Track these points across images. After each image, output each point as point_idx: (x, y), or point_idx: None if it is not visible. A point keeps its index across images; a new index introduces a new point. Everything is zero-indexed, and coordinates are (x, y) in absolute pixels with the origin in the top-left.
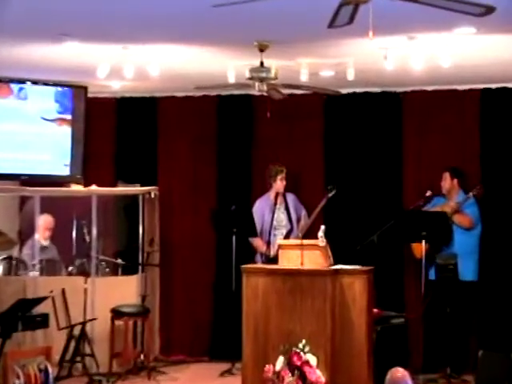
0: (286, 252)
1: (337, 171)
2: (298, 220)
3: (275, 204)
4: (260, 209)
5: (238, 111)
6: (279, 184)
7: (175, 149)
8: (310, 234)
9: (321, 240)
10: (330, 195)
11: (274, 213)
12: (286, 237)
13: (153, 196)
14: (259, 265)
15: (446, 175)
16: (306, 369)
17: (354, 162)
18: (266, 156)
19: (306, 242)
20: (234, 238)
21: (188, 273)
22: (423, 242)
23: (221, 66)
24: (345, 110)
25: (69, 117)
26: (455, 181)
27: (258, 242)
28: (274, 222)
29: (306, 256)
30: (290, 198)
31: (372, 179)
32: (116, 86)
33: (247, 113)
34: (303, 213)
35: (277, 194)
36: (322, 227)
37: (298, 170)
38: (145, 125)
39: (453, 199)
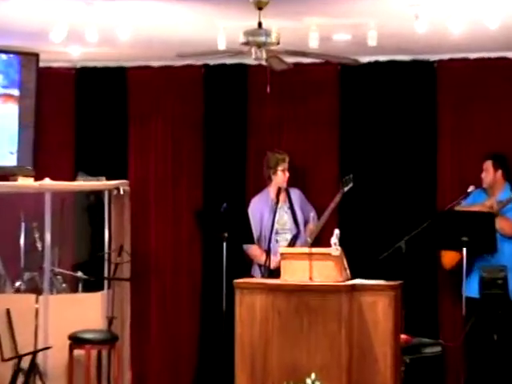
0: (291, 263)
1: (354, 160)
2: (306, 222)
3: (276, 202)
4: (257, 209)
5: (230, 85)
6: (281, 177)
7: (150, 133)
8: (321, 240)
9: (334, 248)
10: (346, 189)
11: (275, 213)
12: (291, 244)
13: (122, 192)
14: (257, 279)
15: (488, 165)
16: None
17: (376, 149)
18: (264, 142)
19: (315, 250)
20: (224, 245)
21: (167, 289)
22: (464, 249)
23: (209, 27)
24: (365, 84)
25: (15, 92)
26: (499, 172)
27: (255, 251)
28: (276, 225)
29: (315, 268)
30: (295, 194)
31: (399, 170)
32: (75, 53)
33: (241, 87)
34: (312, 214)
35: (278, 190)
36: (336, 232)
37: (305, 160)
38: (112, 102)
39: (495, 196)
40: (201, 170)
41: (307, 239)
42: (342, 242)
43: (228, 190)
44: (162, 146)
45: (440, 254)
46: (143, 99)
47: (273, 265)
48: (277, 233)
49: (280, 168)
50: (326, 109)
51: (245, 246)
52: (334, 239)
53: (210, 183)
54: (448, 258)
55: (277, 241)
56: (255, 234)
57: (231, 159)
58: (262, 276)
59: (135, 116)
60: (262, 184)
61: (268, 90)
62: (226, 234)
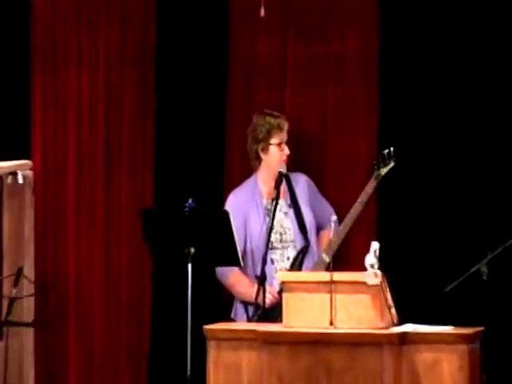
0: (299, 297)
1: (399, 129)
2: (319, 229)
3: (274, 199)
4: (240, 209)
5: (200, 7)
6: (275, 155)
7: (68, 87)
8: (346, 257)
9: (372, 273)
10: (384, 173)
11: (270, 215)
12: (297, 264)
13: (21, 181)
14: (242, 324)
15: None
16: None
17: (437, 113)
18: (254, 101)
19: (339, 276)
20: (189, 267)
21: (95, 342)
22: None
23: None
24: (420, 13)
25: None
26: None
27: (237, 279)
28: (273, 235)
29: (340, 306)
30: (301, 183)
31: (474, 146)
32: None
33: (218, 10)
34: (331, 214)
35: (277, 180)
36: (374, 246)
37: (318, 130)
38: (7, 42)
39: None
40: (151, 148)
41: (322, 257)
42: (383, 261)
43: (195, 178)
44: (87, 109)
45: None
46: (56, 32)
47: (268, 301)
48: (272, 248)
49: (274, 140)
50: (356, 50)
51: (220, 271)
52: (371, 258)
53: (166, 168)
54: None
55: (272, 261)
56: (239, 249)
57: (200, 130)
58: (250, 319)
59: (43, 59)
60: (247, 169)
61: (262, 13)
62: (191, 250)
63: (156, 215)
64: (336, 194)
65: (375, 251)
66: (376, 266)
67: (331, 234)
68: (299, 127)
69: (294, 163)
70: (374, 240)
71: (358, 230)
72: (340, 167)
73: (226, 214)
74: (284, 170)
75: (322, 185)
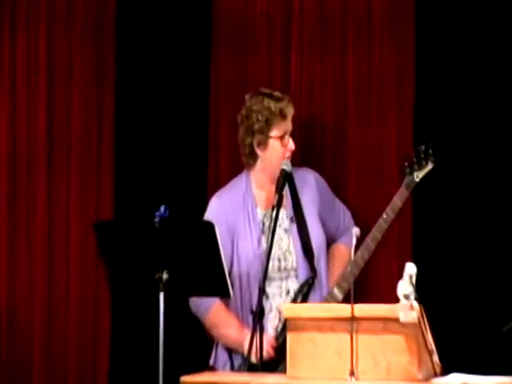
0: (308, 338)
1: (442, 116)
2: (332, 242)
3: (274, 208)
4: (227, 219)
5: None
6: (277, 150)
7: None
8: (372, 285)
9: (406, 306)
10: (420, 177)
11: (267, 232)
12: (301, 297)
13: None
14: (228, 375)
15: None
16: None
17: (488, 102)
18: (244, 75)
19: (362, 309)
20: (161, 297)
21: None
22: None
23: None
24: None
25: None
26: None
27: (221, 316)
28: (272, 260)
29: (364, 349)
30: (308, 184)
31: None
32: None
33: None
34: (354, 230)
35: (279, 182)
36: (410, 269)
37: (333, 116)
38: None
39: None
40: (109, 139)
41: (334, 293)
42: (421, 290)
43: (169, 178)
44: (24, 88)
45: None
46: None
47: (266, 351)
48: (267, 278)
49: (275, 132)
50: (382, 7)
51: (196, 304)
52: (406, 286)
53: (129, 167)
54: None
55: (267, 296)
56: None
57: (176, 114)
58: (239, 369)
59: None
60: (240, 167)
61: None
62: (164, 275)
63: (116, 229)
64: (357, 203)
65: (411, 277)
66: (412, 297)
67: (352, 254)
68: (308, 110)
69: (301, 160)
70: (409, 262)
71: (386, 249)
72: (363, 166)
73: (211, 226)
74: (289, 168)
75: (338, 190)
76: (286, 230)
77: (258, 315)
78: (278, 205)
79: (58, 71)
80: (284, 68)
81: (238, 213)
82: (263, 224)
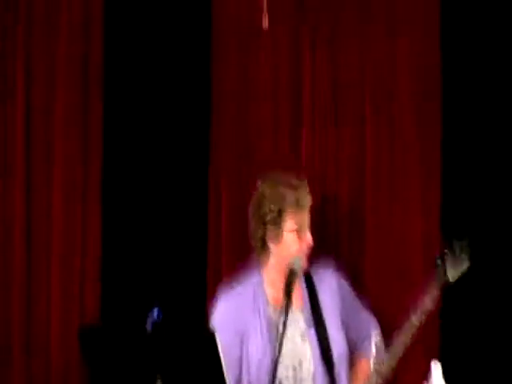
0: None
1: (474, 200)
2: (353, 352)
3: (283, 311)
4: (236, 320)
5: None
6: (292, 245)
7: None
8: None
9: None
10: (456, 278)
11: (278, 336)
12: None
13: None
14: None
15: None
16: None
17: None
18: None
19: None
20: None
21: None
22: None
23: None
24: None
25: None
26: None
27: None
28: (282, 369)
29: None
30: (328, 281)
31: None
32: None
33: None
34: (374, 334)
35: (285, 282)
36: (436, 369)
37: (349, 196)
38: None
39: None
40: (97, 192)
41: None
42: None
43: (163, 267)
44: None
45: None
46: None
47: None
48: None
49: (290, 225)
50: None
51: None
52: None
53: (116, 244)
54: None
55: None
56: None
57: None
58: None
59: None
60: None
61: (264, 23)
62: None
63: (102, 336)
64: (375, 297)
65: (438, 377)
66: None
67: (375, 362)
68: (321, 185)
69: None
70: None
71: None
72: (382, 254)
73: (212, 335)
74: (298, 267)
75: (353, 281)
76: (302, 335)
77: None
78: (287, 310)
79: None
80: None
81: (248, 312)
82: (275, 324)
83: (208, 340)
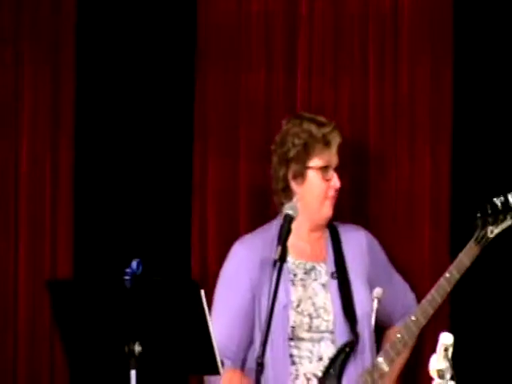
0: None
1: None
2: (389, 324)
3: (277, 260)
4: (250, 269)
5: None
6: (317, 186)
7: None
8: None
9: None
10: (495, 233)
11: (276, 285)
12: (333, 369)
13: None
14: None
15: None
16: None
17: None
18: (235, 86)
19: None
20: (132, 375)
21: None
22: None
23: None
24: None
25: None
26: None
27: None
28: (295, 315)
29: None
30: (358, 242)
31: None
32: None
33: None
34: (376, 289)
35: (280, 229)
36: (445, 339)
37: (354, 140)
38: None
39: None
40: (70, 175)
41: (378, 363)
42: (460, 367)
43: (144, 229)
44: None
45: None
46: None
47: None
48: (294, 338)
49: (316, 161)
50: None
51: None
52: (440, 361)
53: (92, 211)
54: None
55: (293, 360)
56: (230, 343)
57: (154, 154)
58: None
59: None
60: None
61: None
62: (136, 347)
63: (75, 289)
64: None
65: (446, 349)
66: (448, 375)
67: (398, 327)
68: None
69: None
70: (445, 331)
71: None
72: (387, 214)
73: (195, 286)
74: (295, 213)
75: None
76: (323, 285)
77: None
78: (282, 259)
79: None
80: (287, 86)
81: (266, 261)
82: (294, 275)
83: (192, 293)
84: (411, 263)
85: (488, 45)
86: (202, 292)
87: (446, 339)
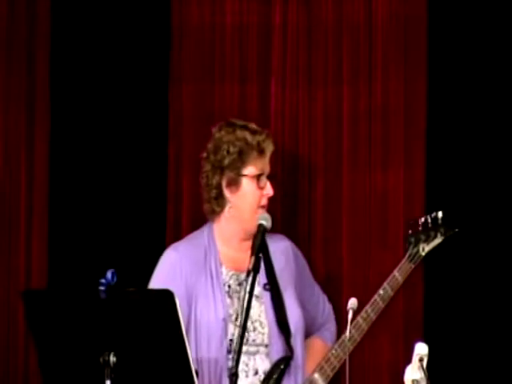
0: None
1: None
2: (309, 332)
3: (250, 271)
4: (183, 276)
5: None
6: (251, 194)
7: None
8: (369, 368)
9: None
10: (426, 251)
11: (236, 296)
12: (271, 378)
13: None
14: None
15: None
16: None
17: None
18: (209, 98)
19: None
20: None
21: None
22: None
23: None
24: None
25: None
26: None
27: None
28: (232, 332)
29: None
30: (283, 252)
31: None
32: None
33: None
34: (351, 300)
35: (253, 240)
36: (420, 349)
37: (324, 156)
38: None
39: None
40: (45, 188)
41: (315, 379)
42: (434, 375)
43: (118, 239)
44: None
45: None
46: None
47: None
48: (231, 351)
49: (250, 169)
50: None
51: None
52: (415, 372)
53: (67, 224)
54: None
55: (235, 374)
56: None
57: (125, 146)
58: None
59: None
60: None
61: None
62: (111, 358)
63: (49, 299)
64: (351, 270)
65: (421, 360)
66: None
67: (325, 340)
68: (292, 151)
69: (282, 216)
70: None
71: (391, 326)
72: (360, 223)
73: (170, 296)
74: (268, 224)
75: (328, 253)
76: (256, 297)
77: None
78: (255, 270)
79: None
80: (261, 97)
81: (199, 270)
82: (229, 286)
83: (167, 303)
84: (384, 274)
85: (462, 54)
86: (177, 302)
87: (420, 349)
